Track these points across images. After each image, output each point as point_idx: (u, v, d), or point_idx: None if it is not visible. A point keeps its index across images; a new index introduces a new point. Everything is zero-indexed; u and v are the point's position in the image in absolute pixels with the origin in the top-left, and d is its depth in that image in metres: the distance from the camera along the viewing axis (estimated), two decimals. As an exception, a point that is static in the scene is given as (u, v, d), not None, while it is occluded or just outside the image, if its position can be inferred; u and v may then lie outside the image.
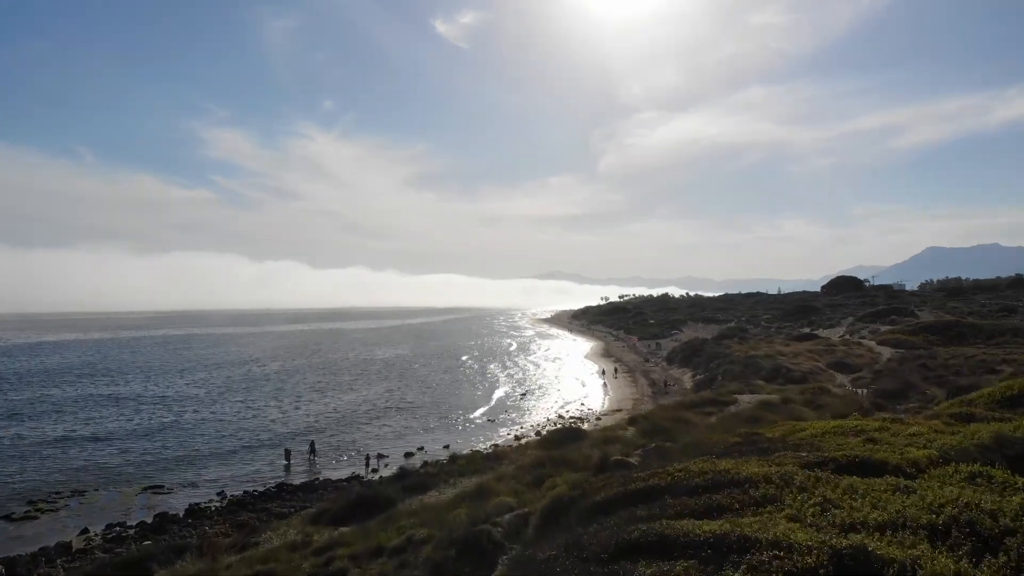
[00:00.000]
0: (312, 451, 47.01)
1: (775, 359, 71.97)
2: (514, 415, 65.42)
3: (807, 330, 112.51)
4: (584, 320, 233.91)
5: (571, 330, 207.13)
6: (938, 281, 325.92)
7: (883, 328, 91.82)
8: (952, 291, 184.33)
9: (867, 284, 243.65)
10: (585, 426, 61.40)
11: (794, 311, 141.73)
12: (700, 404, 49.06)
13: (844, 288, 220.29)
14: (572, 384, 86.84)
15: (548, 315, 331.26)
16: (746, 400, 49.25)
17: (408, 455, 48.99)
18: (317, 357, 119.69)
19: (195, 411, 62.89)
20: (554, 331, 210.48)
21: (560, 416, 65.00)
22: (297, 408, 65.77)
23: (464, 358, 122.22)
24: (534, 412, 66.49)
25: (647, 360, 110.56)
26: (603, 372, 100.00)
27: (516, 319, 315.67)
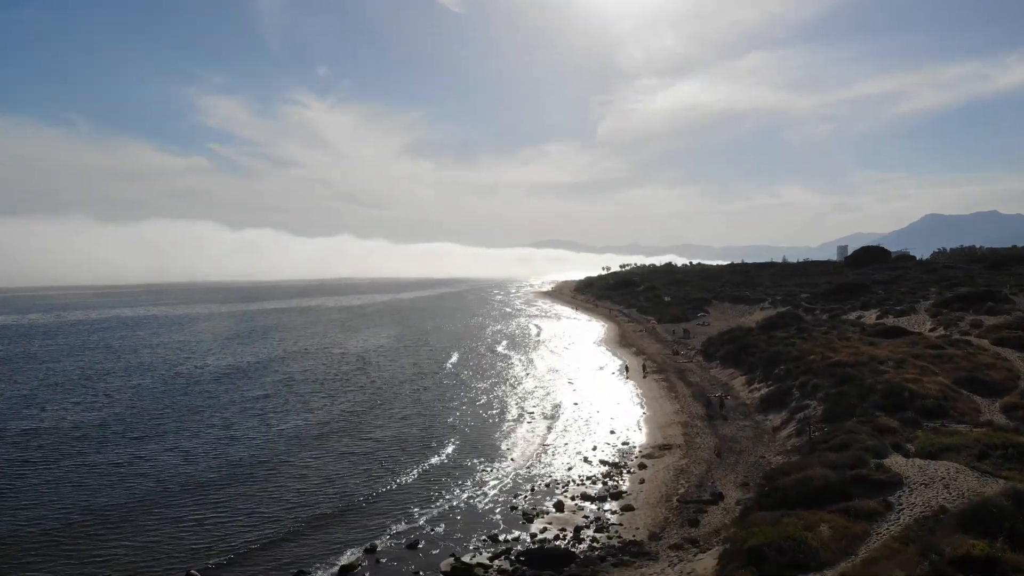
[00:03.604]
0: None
1: (874, 370, 52.23)
2: (520, 460, 45.65)
3: (866, 315, 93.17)
4: (589, 294, 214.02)
5: (576, 307, 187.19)
6: (951, 250, 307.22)
7: (987, 321, 71.94)
8: (994, 263, 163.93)
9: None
10: (626, 482, 41.74)
11: (838, 290, 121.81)
12: (835, 487, 29.03)
13: (870, 259, 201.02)
14: (593, 394, 67.12)
15: (549, 287, 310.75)
16: (916, 481, 29.20)
17: (346, 570, 29.17)
18: (278, 349, 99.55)
19: (49, 467, 42.77)
20: (557, 308, 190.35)
21: (586, 461, 45.32)
22: (209, 453, 45.76)
23: (455, 350, 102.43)
24: (548, 457, 46.62)
25: (676, 352, 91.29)
26: (626, 369, 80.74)
27: (514, 292, 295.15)
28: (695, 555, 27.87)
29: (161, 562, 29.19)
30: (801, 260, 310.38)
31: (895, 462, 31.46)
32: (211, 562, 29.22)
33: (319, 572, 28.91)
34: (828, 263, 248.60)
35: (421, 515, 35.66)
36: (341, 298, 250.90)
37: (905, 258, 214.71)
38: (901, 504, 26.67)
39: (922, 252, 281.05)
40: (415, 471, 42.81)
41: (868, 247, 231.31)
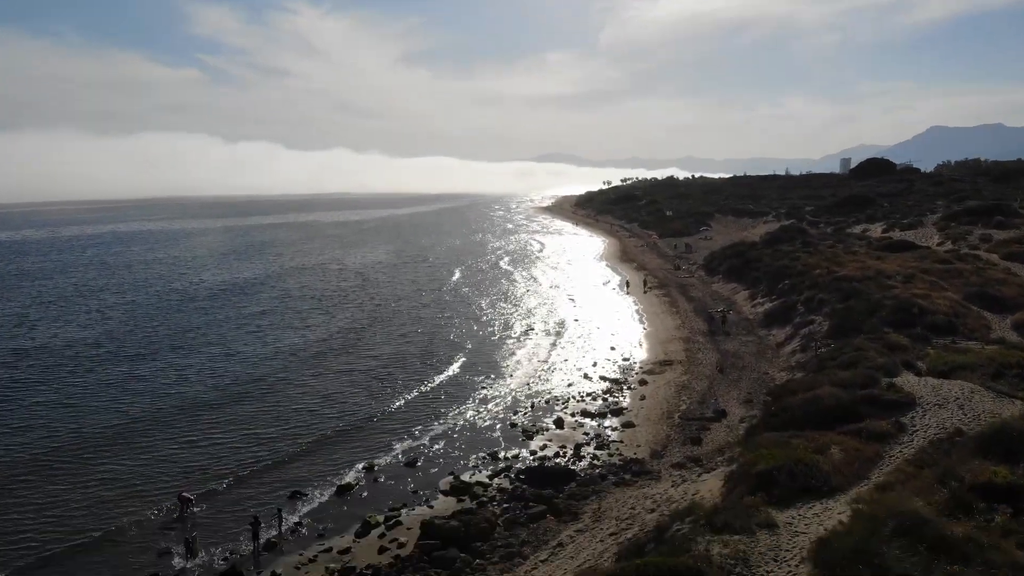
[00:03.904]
0: (187, 505, 26.53)
1: (882, 284, 50.99)
2: (520, 377, 45.04)
3: (871, 228, 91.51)
4: (590, 209, 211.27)
5: (576, 222, 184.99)
6: (955, 163, 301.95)
7: (996, 235, 70.28)
8: (1000, 176, 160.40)
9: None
10: (627, 399, 41.15)
11: (845, 203, 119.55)
12: (845, 407, 28.07)
13: (875, 172, 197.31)
14: (594, 310, 66.28)
15: (549, 202, 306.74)
16: (930, 401, 28.11)
17: (344, 490, 28.67)
18: (275, 265, 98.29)
19: (39, 387, 42.01)
20: (558, 223, 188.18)
21: (587, 377, 44.67)
22: (204, 372, 45.03)
23: (455, 267, 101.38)
24: (548, 373, 45.99)
25: (677, 267, 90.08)
26: (627, 284, 79.75)
27: (513, 207, 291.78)
28: (699, 475, 27.28)
29: (153, 485, 28.65)
30: (804, 173, 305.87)
31: (907, 381, 30.53)
32: (205, 485, 28.68)
33: (316, 492, 28.44)
34: (832, 176, 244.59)
35: (420, 433, 35.12)
36: (338, 213, 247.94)
37: (910, 171, 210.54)
38: (914, 425, 25.77)
39: (926, 165, 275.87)
40: (415, 389, 42.18)
41: (873, 159, 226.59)
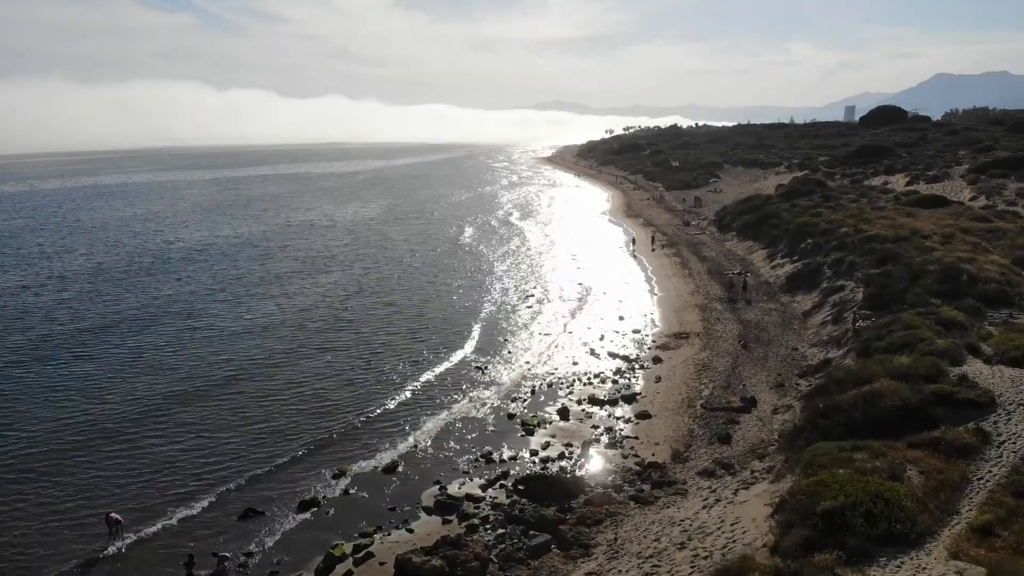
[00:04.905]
0: (116, 528, 21.96)
1: (920, 246, 45.83)
2: (518, 355, 40.24)
3: (891, 180, 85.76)
4: (592, 160, 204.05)
5: (579, 173, 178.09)
6: (963, 111, 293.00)
7: (1035, 187, 64.70)
8: (1014, 125, 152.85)
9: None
10: (640, 381, 36.31)
11: (860, 152, 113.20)
12: (913, 408, 23.24)
13: (886, 120, 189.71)
14: (598, 271, 61.37)
15: (550, 152, 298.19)
16: (1011, 400, 22.74)
17: (307, 506, 24.03)
18: (259, 222, 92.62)
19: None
20: (559, 175, 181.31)
21: (593, 354, 39.86)
22: (160, 354, 40.04)
23: (450, 225, 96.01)
24: (551, 349, 41.10)
25: (687, 223, 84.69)
26: (633, 242, 74.53)
27: (515, 158, 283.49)
28: (735, 491, 22.57)
29: (80, 506, 23.86)
30: (808, 121, 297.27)
31: (978, 371, 25.68)
32: (137, 504, 23.97)
33: (274, 509, 23.82)
34: (842, 124, 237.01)
35: (402, 428, 30.45)
36: (331, 164, 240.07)
37: (921, 119, 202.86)
38: (999, 434, 20.98)
39: (932, 113, 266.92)
40: (398, 372, 37.34)
41: (883, 106, 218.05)
